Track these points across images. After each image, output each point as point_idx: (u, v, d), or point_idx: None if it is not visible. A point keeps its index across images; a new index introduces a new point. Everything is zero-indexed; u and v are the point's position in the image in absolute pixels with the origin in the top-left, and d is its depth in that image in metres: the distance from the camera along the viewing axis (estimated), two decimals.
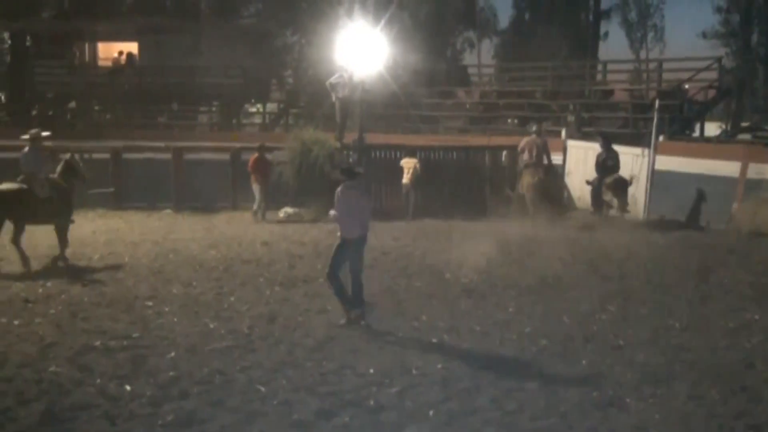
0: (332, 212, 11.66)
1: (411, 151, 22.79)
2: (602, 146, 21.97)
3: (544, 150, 22.16)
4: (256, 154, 21.62)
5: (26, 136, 15.44)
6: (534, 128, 23.81)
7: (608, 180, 21.34)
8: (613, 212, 21.46)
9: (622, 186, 21.27)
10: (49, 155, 16.24)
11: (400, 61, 31.39)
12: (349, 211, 11.31)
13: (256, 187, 21.34)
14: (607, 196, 21.40)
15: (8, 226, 14.72)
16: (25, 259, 14.51)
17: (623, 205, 21.21)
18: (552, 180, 22.09)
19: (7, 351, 9.81)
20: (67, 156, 16.10)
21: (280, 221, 21.09)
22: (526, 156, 22.07)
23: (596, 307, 12.30)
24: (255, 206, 21.42)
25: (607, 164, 21.56)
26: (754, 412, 8.31)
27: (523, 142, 22.55)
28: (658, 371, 9.42)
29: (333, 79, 23.52)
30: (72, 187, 15.67)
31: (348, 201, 11.36)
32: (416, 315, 11.75)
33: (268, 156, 21.90)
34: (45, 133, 15.89)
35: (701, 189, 20.62)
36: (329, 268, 11.50)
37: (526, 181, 21.57)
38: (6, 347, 9.95)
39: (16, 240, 14.70)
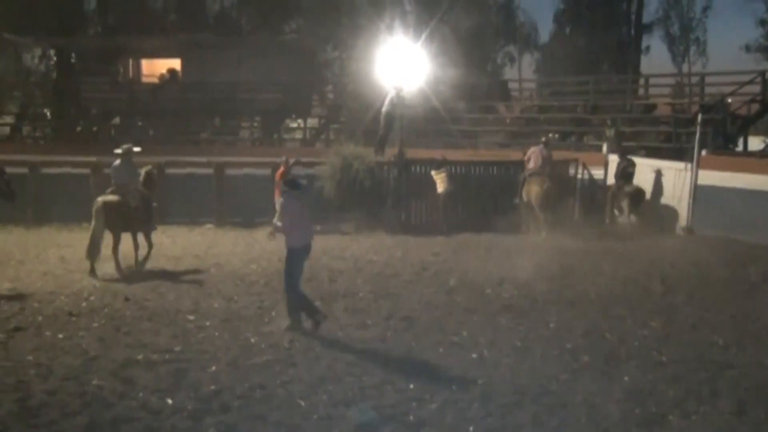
0: (277, 223, 12.02)
1: (439, 164, 22.85)
2: (620, 156, 22.85)
3: (548, 161, 22.39)
4: (281, 168, 21.77)
5: (119, 151, 16.63)
6: (543, 139, 23.99)
7: (629, 188, 21.94)
8: (622, 220, 22.07)
9: (640, 197, 21.97)
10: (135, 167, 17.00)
11: (441, 76, 31.34)
12: (295, 221, 11.74)
13: (276, 201, 21.50)
14: (624, 203, 21.57)
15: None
16: (119, 266, 15.54)
17: (636, 214, 21.81)
18: (558, 189, 22.13)
19: (52, 364, 9.92)
20: (148, 168, 17.21)
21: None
22: (531, 164, 22.30)
23: (638, 323, 12.19)
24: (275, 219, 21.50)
25: (628, 171, 22.39)
26: None
27: (530, 151, 22.82)
28: (702, 388, 9.33)
29: (387, 100, 23.74)
30: (151, 197, 16.77)
31: (294, 212, 11.78)
32: (456, 330, 11.71)
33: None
34: (136, 149, 17.05)
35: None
36: (289, 280, 11.78)
37: (534, 189, 21.69)
38: (50, 360, 10.06)
39: (114, 249, 15.71)
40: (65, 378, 9.42)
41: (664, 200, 22.29)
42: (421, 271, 16.24)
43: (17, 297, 13.48)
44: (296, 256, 11.76)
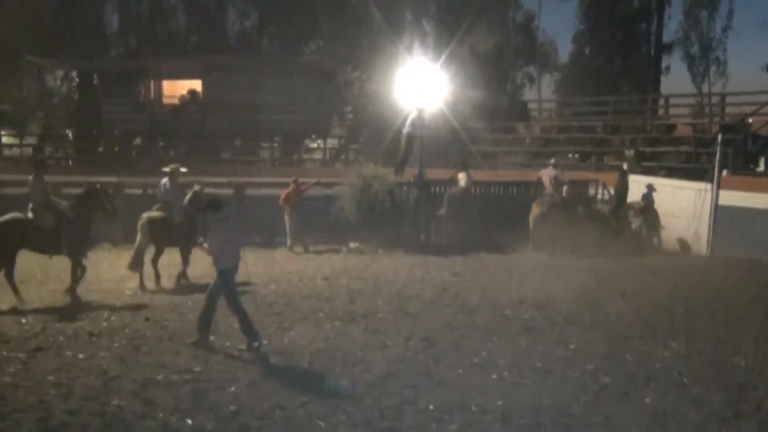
0: (204, 244, 12.11)
1: (463, 165, 23.06)
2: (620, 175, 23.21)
3: (558, 181, 22.60)
4: (289, 188, 21.90)
5: (166, 169, 17.79)
6: (552, 161, 24.07)
7: (638, 206, 22.37)
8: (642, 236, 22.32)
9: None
10: (180, 186, 17.95)
11: (460, 97, 31.44)
12: (225, 241, 11.73)
13: (287, 220, 21.63)
14: (637, 222, 21.63)
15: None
16: (158, 277, 16.53)
17: (653, 230, 22.14)
18: (565, 211, 22.14)
19: (72, 384, 9.95)
20: (197, 188, 17.97)
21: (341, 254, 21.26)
22: (547, 186, 22.60)
23: (659, 344, 12.12)
24: (289, 242, 21.76)
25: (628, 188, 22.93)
26: None
27: (540, 172, 23.21)
28: (723, 410, 9.27)
29: (409, 121, 23.86)
30: (196, 213, 17.27)
31: (222, 232, 11.81)
32: (476, 351, 11.66)
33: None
34: (183, 169, 18.18)
35: None
36: (230, 300, 11.88)
37: (532, 211, 21.95)
38: (71, 380, 10.09)
39: (155, 260, 16.70)
40: (86, 398, 9.44)
41: (684, 220, 22.20)
42: (440, 292, 16.21)
43: (39, 317, 13.55)
44: (228, 277, 11.81)
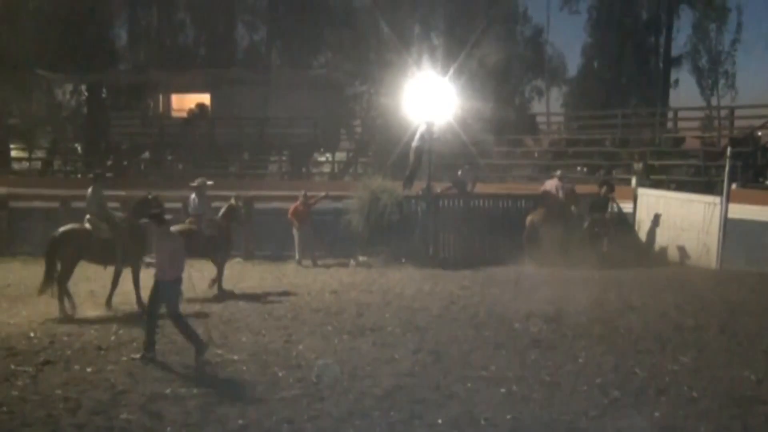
0: (147, 260, 12.42)
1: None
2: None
3: (559, 191, 23.03)
4: (298, 202, 21.94)
5: (194, 184, 18.50)
6: (557, 172, 24.54)
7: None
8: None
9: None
10: (209, 199, 18.60)
11: (469, 110, 31.46)
12: (164, 254, 11.91)
13: (295, 233, 21.67)
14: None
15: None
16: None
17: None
18: (562, 222, 22.49)
19: (80, 398, 9.94)
20: (232, 201, 18.53)
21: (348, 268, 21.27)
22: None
23: (669, 358, 12.05)
24: (297, 255, 21.79)
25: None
26: None
27: (545, 183, 23.77)
28: (733, 424, 9.21)
29: (418, 135, 23.97)
30: (230, 228, 18.23)
31: (163, 245, 12.04)
32: (485, 365, 11.62)
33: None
34: (209, 182, 19.07)
35: None
36: (148, 310, 12.11)
37: (527, 220, 22.42)
38: (79, 394, 10.08)
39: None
40: (94, 412, 9.43)
41: (693, 234, 22.14)
42: (449, 305, 16.18)
43: (47, 331, 13.58)
44: (170, 288, 11.93)
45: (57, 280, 15.06)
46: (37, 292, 15.32)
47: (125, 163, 36.98)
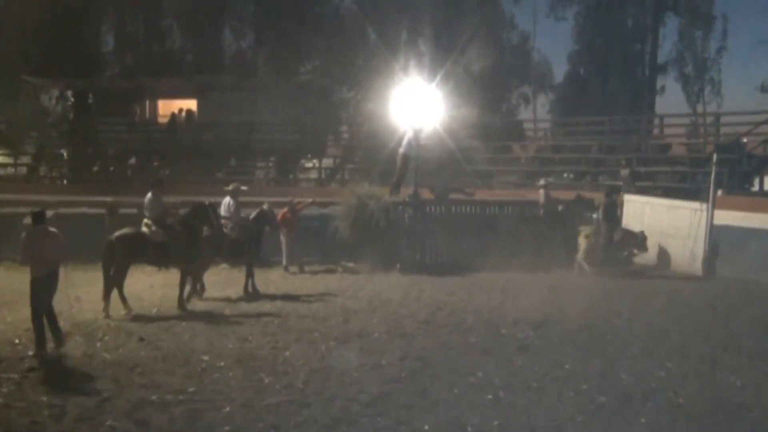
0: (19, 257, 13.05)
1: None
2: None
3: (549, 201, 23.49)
4: (285, 209, 21.94)
5: (228, 188, 19.36)
6: (542, 182, 24.69)
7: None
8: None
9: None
10: (239, 204, 19.03)
11: (456, 116, 31.48)
12: (37, 251, 12.51)
13: (282, 240, 21.68)
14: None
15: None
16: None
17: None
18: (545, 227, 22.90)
19: (65, 405, 9.89)
20: (264, 206, 19.25)
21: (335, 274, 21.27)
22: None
23: (655, 364, 12.08)
24: (284, 261, 21.76)
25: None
26: None
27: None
28: (719, 430, 9.24)
29: (405, 141, 24.02)
30: (261, 231, 18.97)
31: (35, 242, 12.57)
32: (472, 371, 11.61)
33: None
34: (243, 188, 19.85)
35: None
36: (32, 308, 12.43)
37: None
38: (64, 401, 10.03)
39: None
40: (79, 419, 9.39)
41: (679, 240, 22.21)
42: (436, 311, 16.18)
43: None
44: (39, 285, 12.41)
45: (112, 281, 15.71)
46: (101, 296, 15.73)
47: (111, 168, 36.87)
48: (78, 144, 37.14)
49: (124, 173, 36.97)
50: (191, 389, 10.60)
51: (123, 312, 15.36)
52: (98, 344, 13.10)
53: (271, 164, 37.86)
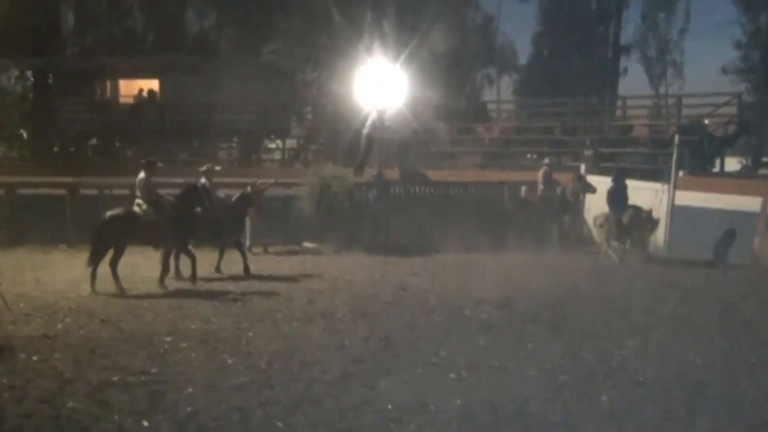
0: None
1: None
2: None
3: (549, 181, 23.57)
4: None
5: (203, 169, 19.28)
6: (546, 161, 24.91)
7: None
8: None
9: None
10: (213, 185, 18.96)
11: (420, 97, 31.45)
12: None
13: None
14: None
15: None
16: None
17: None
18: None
19: (26, 387, 9.78)
20: (248, 189, 19.30)
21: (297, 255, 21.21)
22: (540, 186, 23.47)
23: (616, 343, 12.18)
24: (248, 242, 21.72)
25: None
26: None
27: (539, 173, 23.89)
28: (680, 408, 9.30)
29: (369, 122, 23.93)
30: (244, 213, 19.28)
31: None
32: (435, 351, 11.64)
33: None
34: (217, 168, 20.15)
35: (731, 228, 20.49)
36: None
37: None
38: (25, 383, 9.92)
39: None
40: (40, 401, 9.29)
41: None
42: (399, 292, 16.23)
43: None
44: None
45: (109, 261, 15.75)
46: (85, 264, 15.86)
47: (72, 149, 36.39)
48: (38, 124, 36.63)
49: (85, 154, 36.47)
50: (153, 370, 10.53)
51: (116, 291, 15.49)
52: (59, 326, 12.96)
53: (234, 145, 37.64)
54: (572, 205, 23.20)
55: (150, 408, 9.11)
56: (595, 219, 21.65)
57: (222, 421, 8.74)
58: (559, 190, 23.46)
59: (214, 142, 37.43)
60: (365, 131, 24.29)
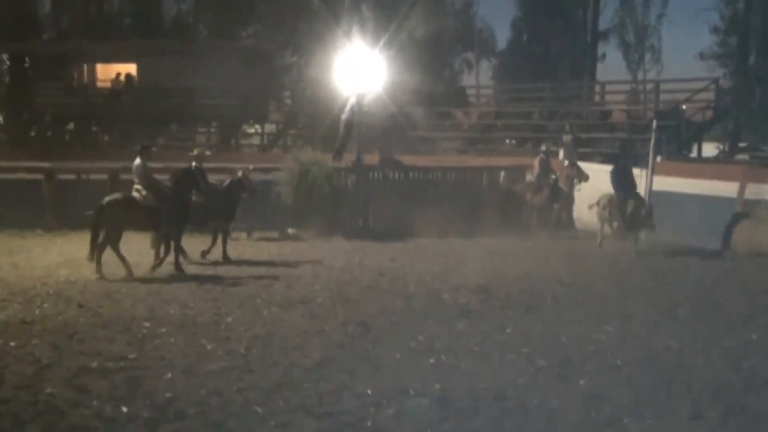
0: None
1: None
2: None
3: (547, 169, 23.25)
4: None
5: (193, 153, 19.18)
6: (543, 148, 24.46)
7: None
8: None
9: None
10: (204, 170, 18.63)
11: (398, 82, 31.40)
12: None
13: None
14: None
15: None
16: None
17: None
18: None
19: (4, 372, 9.72)
20: (240, 174, 19.12)
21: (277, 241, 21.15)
22: (535, 172, 23.32)
23: (594, 327, 12.21)
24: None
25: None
26: None
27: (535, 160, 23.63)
28: (657, 391, 9.34)
29: (348, 107, 23.82)
30: (237, 199, 18.95)
31: None
32: (413, 336, 11.62)
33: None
34: (208, 152, 19.91)
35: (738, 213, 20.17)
36: None
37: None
38: (2, 368, 9.86)
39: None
40: (18, 386, 9.22)
41: None
42: (378, 277, 16.21)
43: None
44: None
45: (109, 246, 15.82)
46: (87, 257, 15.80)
47: (49, 134, 36.18)
48: (14, 109, 36.42)
49: (62, 138, 36.30)
50: (132, 356, 10.46)
51: (125, 274, 15.61)
52: (37, 311, 12.89)
53: (212, 130, 37.52)
54: (565, 193, 22.96)
55: (129, 394, 9.04)
56: (599, 200, 21.15)
57: (201, 406, 8.68)
58: (553, 177, 23.21)
59: (192, 127, 37.27)
60: (344, 116, 24.20)
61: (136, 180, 16.63)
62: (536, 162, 23.34)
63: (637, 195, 20.04)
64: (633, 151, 22.33)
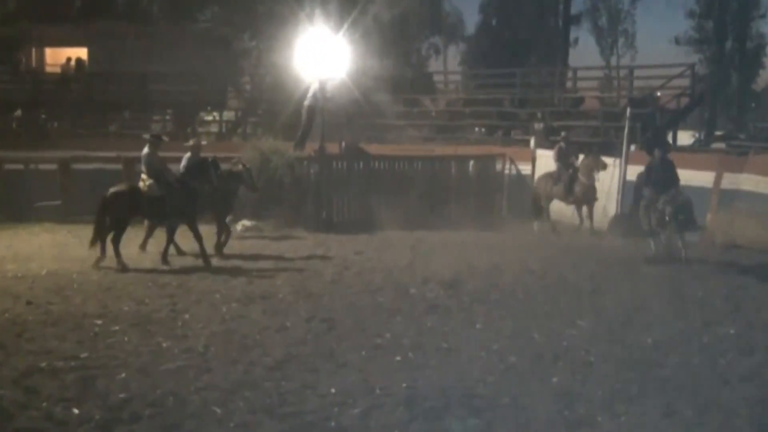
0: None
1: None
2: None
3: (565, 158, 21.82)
4: None
5: (188, 144, 19.05)
6: (563, 134, 23.40)
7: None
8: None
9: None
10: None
11: (363, 68, 31.11)
12: None
13: None
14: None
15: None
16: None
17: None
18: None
19: None
20: (239, 167, 18.87)
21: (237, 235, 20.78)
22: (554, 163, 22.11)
23: (566, 323, 12.05)
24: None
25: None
26: (729, 429, 8.14)
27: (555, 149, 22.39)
28: (631, 388, 9.19)
29: (310, 93, 23.48)
30: (234, 191, 18.63)
31: None
32: (380, 332, 11.42)
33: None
34: (204, 143, 20.68)
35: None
36: None
37: None
38: None
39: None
40: None
41: None
42: (343, 271, 15.99)
43: None
44: None
45: (111, 238, 15.88)
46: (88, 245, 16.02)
47: None
48: None
49: (9, 126, 35.58)
50: (84, 355, 10.16)
51: (118, 267, 15.56)
52: None
53: (168, 117, 37.11)
54: (586, 185, 21.50)
55: (80, 394, 8.77)
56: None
57: (157, 407, 8.41)
58: (571, 170, 21.99)
59: (146, 114, 36.76)
60: (306, 103, 23.84)
61: (143, 170, 16.62)
62: (554, 152, 22.35)
63: (676, 191, 17.79)
64: (666, 137, 21.23)
